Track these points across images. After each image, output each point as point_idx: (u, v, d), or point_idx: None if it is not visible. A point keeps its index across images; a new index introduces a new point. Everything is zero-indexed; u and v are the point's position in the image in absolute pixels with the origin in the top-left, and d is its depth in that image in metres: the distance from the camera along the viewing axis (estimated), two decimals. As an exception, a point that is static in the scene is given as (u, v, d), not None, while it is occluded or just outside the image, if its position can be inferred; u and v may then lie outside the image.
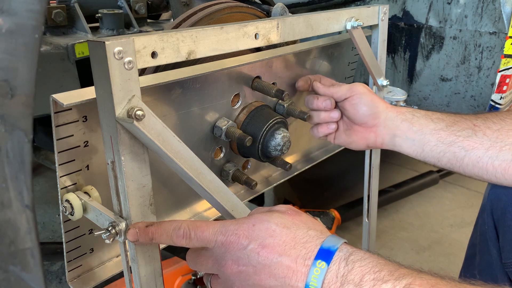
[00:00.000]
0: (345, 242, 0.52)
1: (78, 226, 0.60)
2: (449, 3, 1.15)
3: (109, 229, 0.52)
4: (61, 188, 0.57)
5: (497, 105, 1.13)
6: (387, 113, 0.82)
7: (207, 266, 0.55)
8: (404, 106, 0.84)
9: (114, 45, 0.45)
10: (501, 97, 1.12)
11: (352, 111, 0.84)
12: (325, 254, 0.50)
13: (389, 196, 1.88)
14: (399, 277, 0.46)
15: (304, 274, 0.49)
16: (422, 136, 0.79)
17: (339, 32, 0.90)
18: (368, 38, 0.90)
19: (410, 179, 1.97)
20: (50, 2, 1.16)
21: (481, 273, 0.84)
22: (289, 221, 0.54)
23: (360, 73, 1.37)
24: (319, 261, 0.49)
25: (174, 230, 0.53)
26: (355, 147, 0.87)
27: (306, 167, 1.04)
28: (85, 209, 0.56)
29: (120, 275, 0.61)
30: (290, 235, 0.52)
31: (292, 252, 0.51)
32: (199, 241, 0.53)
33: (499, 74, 1.09)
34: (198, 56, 0.57)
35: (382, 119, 0.82)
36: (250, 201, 0.96)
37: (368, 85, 1.02)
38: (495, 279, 0.79)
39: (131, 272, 0.55)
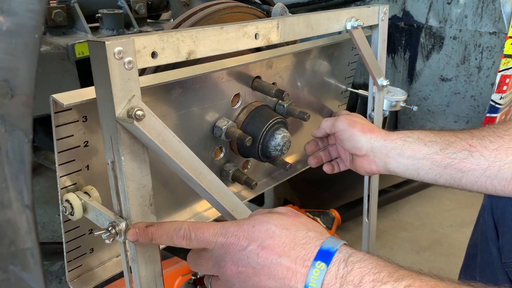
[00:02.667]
0: (344, 244, 0.52)
1: (78, 226, 0.60)
2: (449, 3, 1.15)
3: (109, 229, 0.52)
4: (61, 188, 0.57)
5: (497, 105, 1.13)
6: (372, 143, 0.82)
7: (207, 268, 0.55)
8: (396, 131, 0.83)
9: (114, 45, 0.45)
10: (501, 97, 1.12)
11: (340, 145, 0.88)
12: (324, 255, 0.50)
13: (389, 196, 1.88)
14: (399, 279, 0.46)
15: (303, 275, 0.49)
16: (416, 161, 0.78)
17: (339, 32, 0.90)
18: (368, 38, 0.90)
19: (410, 179, 1.97)
20: (50, 2, 1.16)
21: (482, 272, 0.84)
22: (288, 223, 0.54)
23: (360, 73, 1.37)
24: (319, 262, 0.49)
25: (174, 231, 0.53)
26: (360, 173, 0.89)
27: (306, 167, 1.04)
28: (85, 209, 0.56)
29: (120, 275, 0.61)
30: (290, 236, 0.52)
31: (291, 253, 0.51)
32: (199, 242, 0.53)
33: (499, 74, 1.09)
34: (198, 56, 0.57)
35: (368, 151, 0.82)
36: (250, 201, 0.96)
37: (368, 85, 1.03)
38: (496, 278, 0.79)
39: (131, 272, 0.55)
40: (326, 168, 0.97)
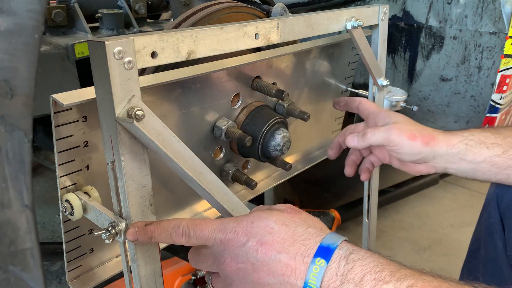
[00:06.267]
0: (345, 240, 0.52)
1: (78, 226, 0.60)
2: (449, 3, 1.15)
3: (109, 229, 0.52)
4: (61, 188, 0.57)
5: (497, 105, 1.13)
6: (435, 152, 0.77)
7: (208, 264, 0.55)
8: (456, 133, 0.79)
9: (114, 45, 0.45)
10: (501, 97, 1.12)
11: (395, 157, 0.81)
12: (324, 252, 0.49)
13: (389, 196, 1.88)
14: (401, 278, 0.46)
15: (303, 272, 0.49)
16: (476, 165, 0.76)
17: (339, 32, 0.90)
18: (368, 38, 0.90)
19: (410, 179, 1.97)
20: (50, 2, 1.16)
21: (486, 267, 0.84)
22: (288, 219, 0.54)
23: (360, 73, 1.37)
24: (319, 258, 0.49)
25: (173, 228, 0.53)
26: (409, 173, 0.86)
27: (306, 167, 1.04)
28: (85, 209, 0.56)
29: (120, 275, 0.61)
30: (289, 233, 0.52)
31: (290, 249, 0.51)
32: (198, 239, 0.53)
33: (499, 74, 1.09)
34: (198, 56, 0.57)
35: (430, 158, 0.78)
36: (250, 201, 0.96)
37: (368, 85, 1.03)
38: (500, 272, 0.79)
39: (131, 272, 0.55)
40: (364, 177, 0.94)
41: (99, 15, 1.20)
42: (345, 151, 1.01)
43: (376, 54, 0.96)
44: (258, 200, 1.67)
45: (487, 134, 0.77)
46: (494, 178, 0.77)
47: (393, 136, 0.78)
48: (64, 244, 0.59)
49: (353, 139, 0.83)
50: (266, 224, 0.53)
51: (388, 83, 0.98)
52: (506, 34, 1.06)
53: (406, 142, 0.77)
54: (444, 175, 2.04)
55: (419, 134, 0.78)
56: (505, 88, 1.11)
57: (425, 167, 0.81)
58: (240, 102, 0.78)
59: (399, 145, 0.78)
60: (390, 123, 0.80)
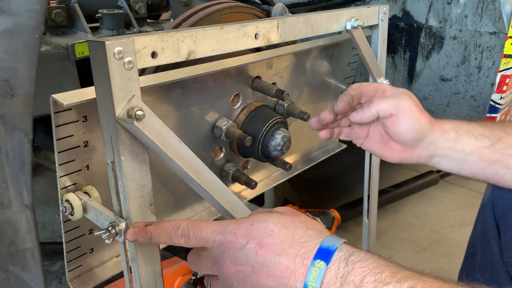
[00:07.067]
0: (344, 242, 0.52)
1: (78, 226, 0.60)
2: (449, 3, 1.15)
3: (109, 229, 0.52)
4: (61, 188, 0.57)
5: (497, 105, 1.13)
6: (432, 134, 0.74)
7: (207, 267, 0.55)
8: (445, 120, 0.75)
9: (114, 45, 0.45)
10: (501, 97, 1.12)
11: (393, 130, 0.75)
12: (324, 254, 0.49)
13: (389, 196, 1.88)
14: (401, 280, 0.46)
15: (302, 274, 0.49)
16: (464, 155, 0.74)
17: (339, 32, 0.90)
18: (368, 38, 0.90)
19: (410, 179, 1.97)
20: (50, 2, 1.16)
21: (482, 271, 0.84)
22: (287, 221, 0.54)
23: (360, 73, 1.37)
24: (318, 260, 0.49)
25: (173, 229, 0.53)
26: (386, 159, 0.81)
27: (306, 167, 1.04)
28: (85, 209, 0.56)
29: (120, 275, 0.61)
30: (289, 235, 0.52)
31: (290, 252, 0.50)
32: (198, 240, 0.53)
33: (499, 74, 1.09)
34: (198, 56, 0.57)
35: (425, 142, 0.75)
36: (250, 201, 0.96)
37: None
38: (497, 277, 0.79)
39: (131, 272, 0.55)
40: (324, 135, 0.82)
41: (99, 15, 1.20)
42: (345, 153, 1.01)
43: (376, 54, 0.96)
44: (258, 200, 1.67)
45: (474, 125, 0.75)
46: (482, 173, 0.74)
47: (402, 103, 0.72)
48: (64, 244, 0.59)
49: (358, 112, 0.76)
50: (266, 226, 0.53)
51: (388, 83, 0.98)
52: (506, 34, 1.06)
53: (416, 114, 0.72)
54: (444, 175, 2.04)
55: (426, 114, 0.74)
56: (505, 88, 1.11)
57: (411, 153, 0.76)
58: (240, 102, 0.78)
59: (407, 115, 0.72)
60: (399, 94, 0.75)
